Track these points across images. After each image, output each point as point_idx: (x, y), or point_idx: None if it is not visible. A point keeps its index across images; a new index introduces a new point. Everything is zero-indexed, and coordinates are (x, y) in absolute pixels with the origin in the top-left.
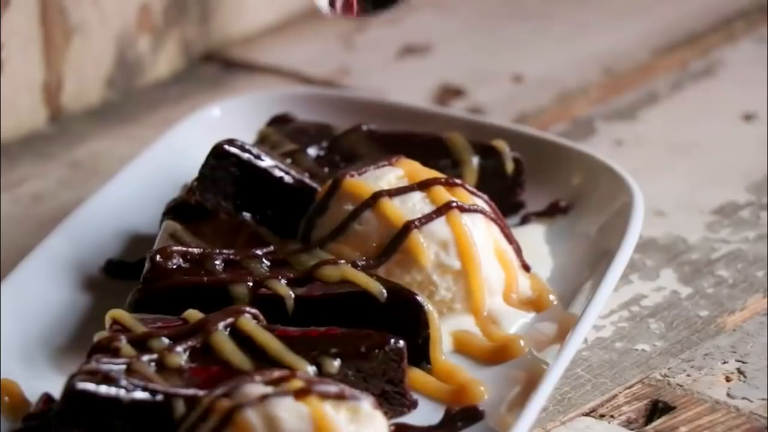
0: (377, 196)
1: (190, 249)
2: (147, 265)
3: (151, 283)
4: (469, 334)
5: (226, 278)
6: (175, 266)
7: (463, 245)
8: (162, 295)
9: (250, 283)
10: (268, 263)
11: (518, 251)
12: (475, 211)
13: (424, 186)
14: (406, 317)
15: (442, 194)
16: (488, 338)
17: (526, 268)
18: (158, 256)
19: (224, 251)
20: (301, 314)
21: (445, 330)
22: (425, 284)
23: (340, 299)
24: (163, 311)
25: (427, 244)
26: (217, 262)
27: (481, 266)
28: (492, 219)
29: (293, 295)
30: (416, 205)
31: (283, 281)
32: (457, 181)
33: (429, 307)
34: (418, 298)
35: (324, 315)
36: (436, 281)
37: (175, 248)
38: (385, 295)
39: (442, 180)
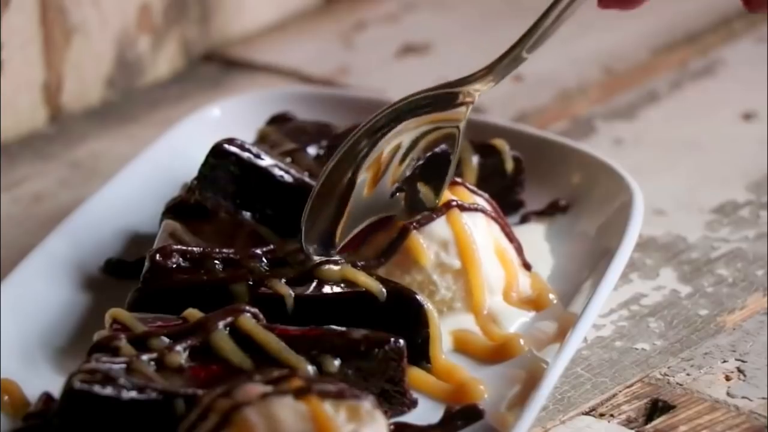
0: None
1: (189, 248)
2: (146, 264)
3: (150, 282)
4: (468, 333)
5: (226, 277)
6: (174, 265)
7: (463, 245)
8: (161, 294)
9: (250, 282)
10: (268, 262)
11: (519, 250)
12: (476, 210)
13: None
14: (405, 316)
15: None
16: (488, 337)
17: (526, 266)
18: (158, 255)
19: (224, 250)
20: (301, 314)
21: (445, 329)
22: (425, 284)
23: (339, 299)
24: (162, 310)
25: (427, 244)
26: (217, 262)
27: (481, 265)
28: (492, 218)
29: (293, 294)
30: None
31: (283, 280)
32: (458, 179)
33: (429, 306)
34: (418, 297)
35: (324, 314)
36: (437, 281)
37: (174, 247)
38: (385, 294)
39: None
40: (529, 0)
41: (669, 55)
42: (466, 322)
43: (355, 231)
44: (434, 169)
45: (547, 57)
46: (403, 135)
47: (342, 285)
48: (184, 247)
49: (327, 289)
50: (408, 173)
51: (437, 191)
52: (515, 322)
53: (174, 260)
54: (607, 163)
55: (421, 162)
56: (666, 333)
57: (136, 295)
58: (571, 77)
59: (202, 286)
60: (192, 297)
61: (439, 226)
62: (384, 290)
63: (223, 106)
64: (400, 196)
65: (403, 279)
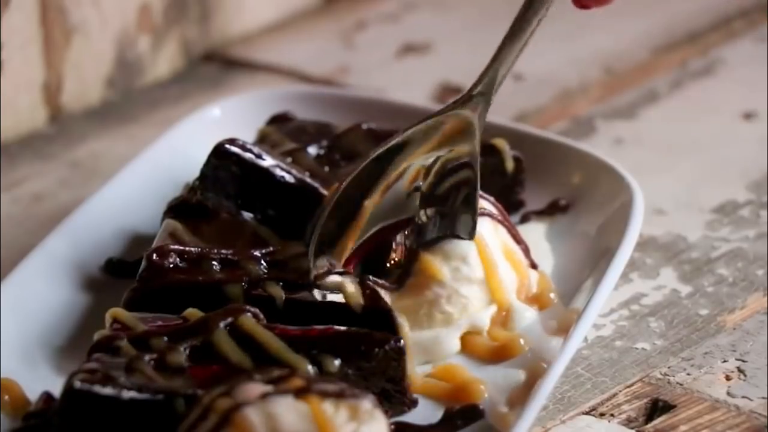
0: None
1: (187, 248)
2: (143, 263)
3: (146, 281)
4: (472, 334)
5: (221, 278)
6: (171, 265)
7: (481, 252)
8: (157, 293)
9: (245, 284)
10: (267, 265)
11: (526, 251)
12: (482, 214)
13: None
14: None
15: None
16: (489, 337)
17: (533, 267)
18: (154, 255)
19: (222, 251)
20: (289, 316)
21: (457, 334)
22: (453, 297)
23: (321, 306)
24: (158, 309)
25: (442, 259)
26: (215, 263)
27: (498, 268)
28: (499, 221)
29: (284, 296)
30: None
31: (279, 283)
32: None
33: (401, 321)
34: (393, 313)
35: (306, 320)
36: (461, 291)
37: (172, 247)
38: (361, 307)
39: None
40: None
41: (669, 55)
42: (482, 321)
43: (366, 235)
44: (456, 193)
45: (547, 57)
46: (412, 159)
47: (334, 294)
48: (182, 247)
49: (314, 296)
50: (429, 189)
51: (466, 222)
52: (525, 320)
53: (171, 260)
54: (607, 162)
55: (442, 185)
56: (666, 333)
57: (132, 294)
58: (571, 77)
59: (197, 286)
60: (187, 297)
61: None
62: (361, 303)
63: (223, 106)
64: (414, 196)
65: (425, 296)
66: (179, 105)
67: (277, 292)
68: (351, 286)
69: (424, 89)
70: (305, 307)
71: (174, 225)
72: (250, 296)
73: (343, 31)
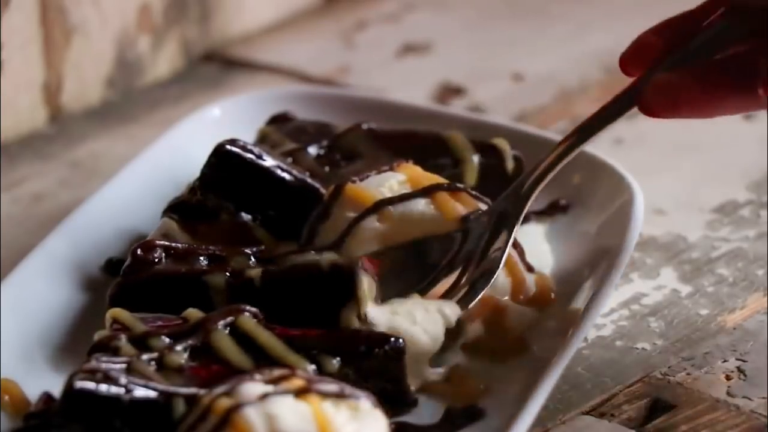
0: (379, 204)
1: (173, 244)
2: (128, 258)
3: (129, 275)
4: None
5: (204, 269)
6: (156, 260)
7: None
8: (141, 287)
9: (228, 275)
10: (256, 261)
11: (521, 254)
12: None
13: (426, 193)
14: (338, 282)
15: (446, 201)
16: (489, 337)
17: (529, 269)
18: (139, 250)
19: (210, 248)
20: (266, 294)
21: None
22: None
23: (291, 271)
24: (143, 304)
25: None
26: (201, 258)
27: None
28: None
29: (260, 274)
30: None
31: (258, 268)
32: (460, 186)
33: (361, 276)
34: (359, 274)
35: (279, 290)
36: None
37: (157, 242)
38: (329, 264)
39: (445, 186)
40: (529, 0)
41: None
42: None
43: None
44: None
45: (547, 57)
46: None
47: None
48: (168, 243)
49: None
50: None
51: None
52: (524, 320)
53: (156, 254)
54: (607, 163)
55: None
56: (666, 332)
57: (116, 289)
58: (571, 77)
59: (180, 277)
60: (172, 290)
61: None
62: (328, 262)
63: (223, 106)
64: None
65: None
66: (179, 105)
67: (255, 273)
68: (324, 258)
69: (424, 89)
70: (279, 276)
71: (169, 224)
72: (233, 286)
73: (343, 31)
